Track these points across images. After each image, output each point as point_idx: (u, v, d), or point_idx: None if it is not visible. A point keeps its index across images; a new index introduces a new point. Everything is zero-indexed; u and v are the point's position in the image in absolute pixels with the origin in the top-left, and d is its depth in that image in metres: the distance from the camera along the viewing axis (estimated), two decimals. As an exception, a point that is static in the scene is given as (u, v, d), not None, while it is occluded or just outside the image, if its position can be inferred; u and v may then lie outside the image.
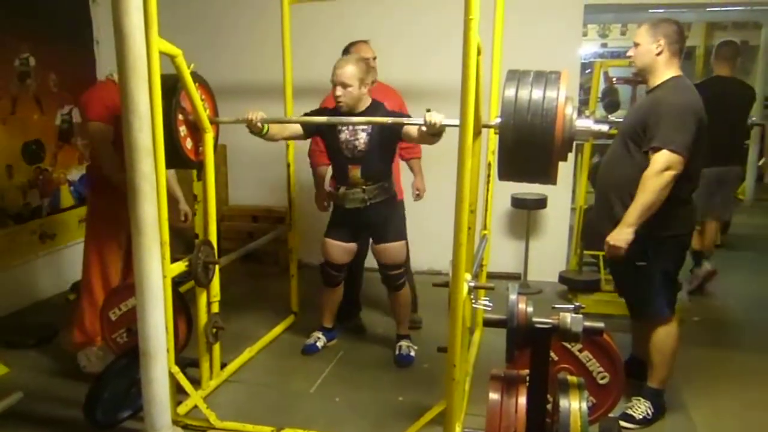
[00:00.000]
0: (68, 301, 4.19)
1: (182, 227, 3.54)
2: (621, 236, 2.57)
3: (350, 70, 2.99)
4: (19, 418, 2.75)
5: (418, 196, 3.80)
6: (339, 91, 3.02)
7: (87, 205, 3.42)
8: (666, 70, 2.65)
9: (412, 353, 3.42)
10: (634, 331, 3.12)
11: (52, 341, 3.57)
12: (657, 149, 2.50)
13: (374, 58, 3.51)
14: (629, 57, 2.75)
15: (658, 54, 2.63)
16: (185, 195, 3.58)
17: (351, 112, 3.07)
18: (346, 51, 3.52)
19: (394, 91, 3.67)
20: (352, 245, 3.34)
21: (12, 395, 2.84)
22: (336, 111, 3.09)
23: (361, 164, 3.13)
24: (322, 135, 3.23)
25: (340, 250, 3.33)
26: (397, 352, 3.42)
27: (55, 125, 4.30)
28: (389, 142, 3.14)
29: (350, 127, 3.10)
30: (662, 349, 2.74)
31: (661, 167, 2.48)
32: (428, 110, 2.64)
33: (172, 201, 3.43)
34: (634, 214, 2.54)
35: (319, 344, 3.53)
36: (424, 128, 2.71)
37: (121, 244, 3.16)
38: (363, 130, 3.10)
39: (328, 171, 3.52)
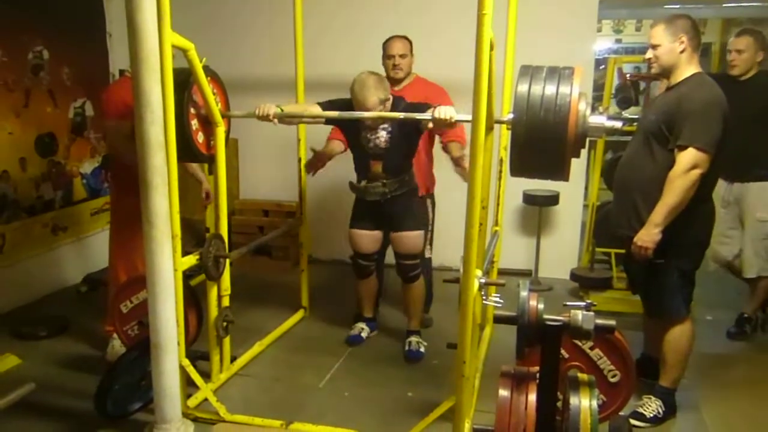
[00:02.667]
0: (80, 294, 4.22)
1: (197, 219, 3.54)
2: (649, 237, 2.54)
3: (373, 99, 2.92)
4: (30, 409, 2.76)
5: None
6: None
7: (110, 197, 3.48)
8: (688, 67, 2.60)
9: (422, 349, 3.41)
10: (646, 328, 3.10)
11: (63, 333, 3.59)
12: (683, 147, 2.47)
13: (401, 56, 3.46)
14: (649, 59, 2.66)
15: (682, 51, 2.57)
16: (196, 187, 3.61)
17: None
18: (384, 48, 3.51)
19: (433, 85, 3.55)
20: (378, 233, 3.37)
21: (24, 386, 2.84)
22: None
23: (383, 159, 3.15)
24: (342, 128, 3.25)
25: (368, 238, 3.35)
26: (406, 348, 3.42)
27: (69, 118, 4.31)
28: (410, 137, 3.14)
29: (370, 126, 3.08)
30: (676, 348, 2.72)
31: (688, 166, 2.45)
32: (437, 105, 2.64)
33: (196, 183, 3.49)
34: (661, 214, 2.51)
35: (363, 335, 3.59)
36: (430, 125, 2.69)
37: None
38: (383, 128, 3.10)
39: (336, 146, 3.45)
